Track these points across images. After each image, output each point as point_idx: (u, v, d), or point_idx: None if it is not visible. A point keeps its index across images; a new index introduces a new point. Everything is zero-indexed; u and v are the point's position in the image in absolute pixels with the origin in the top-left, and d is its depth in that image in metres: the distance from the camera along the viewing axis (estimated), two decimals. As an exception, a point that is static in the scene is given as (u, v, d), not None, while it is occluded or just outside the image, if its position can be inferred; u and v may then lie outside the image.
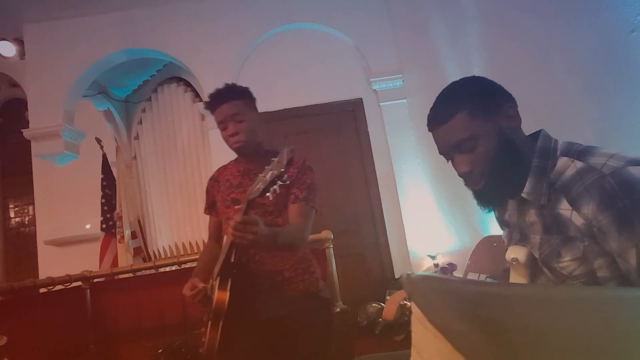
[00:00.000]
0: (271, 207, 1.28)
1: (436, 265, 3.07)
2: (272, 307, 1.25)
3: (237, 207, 1.05)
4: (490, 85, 0.85)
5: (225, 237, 1.22)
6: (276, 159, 1.01)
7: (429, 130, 0.88)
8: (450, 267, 2.92)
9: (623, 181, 0.67)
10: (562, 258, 0.76)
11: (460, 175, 0.85)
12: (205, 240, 1.55)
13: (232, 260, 1.16)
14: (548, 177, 0.78)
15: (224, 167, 1.45)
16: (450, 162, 0.87)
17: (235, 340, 1.20)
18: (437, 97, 0.86)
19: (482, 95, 0.82)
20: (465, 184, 0.87)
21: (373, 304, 2.78)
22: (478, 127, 0.80)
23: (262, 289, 1.26)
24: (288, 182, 1.11)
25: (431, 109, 0.86)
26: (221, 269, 1.17)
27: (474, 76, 0.87)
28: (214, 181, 1.44)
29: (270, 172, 1.00)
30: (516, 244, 0.89)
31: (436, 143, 0.87)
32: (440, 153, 0.88)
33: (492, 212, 1.00)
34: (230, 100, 1.30)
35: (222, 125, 1.31)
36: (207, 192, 1.46)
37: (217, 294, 1.14)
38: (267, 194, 1.01)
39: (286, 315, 1.24)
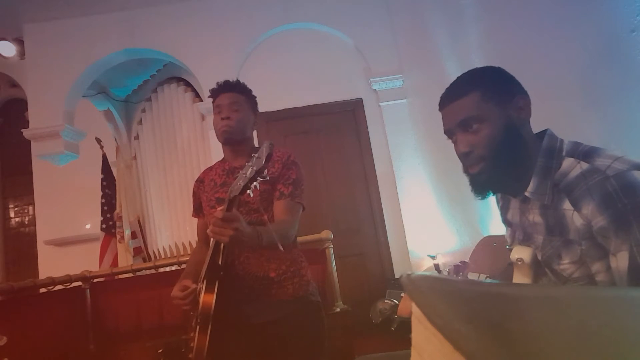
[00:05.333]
0: (256, 205, 1.25)
1: (437, 265, 3.07)
2: (261, 311, 1.22)
3: (219, 208, 1.03)
4: (506, 75, 0.86)
5: (212, 240, 1.18)
6: (256, 155, 1.00)
7: (440, 109, 0.88)
8: (463, 265, 2.91)
9: (626, 184, 0.67)
10: (562, 260, 0.77)
11: (459, 156, 0.85)
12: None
13: (220, 262, 1.13)
14: (552, 177, 0.78)
15: (210, 168, 1.45)
16: (452, 142, 0.88)
17: (225, 345, 1.17)
18: (455, 80, 0.87)
19: (497, 82, 0.84)
20: (463, 169, 0.87)
21: (385, 300, 2.78)
22: (487, 109, 0.81)
23: (250, 292, 1.23)
24: (268, 178, 1.08)
25: (446, 89, 0.87)
26: (207, 271, 1.14)
27: (491, 66, 0.88)
28: (200, 183, 1.43)
29: (250, 169, 0.99)
30: (520, 244, 0.89)
31: (443, 121, 0.88)
32: (445, 131, 0.88)
33: (484, 200, 1.00)
34: (234, 92, 1.34)
35: (218, 109, 1.34)
36: (194, 194, 1.45)
37: (203, 297, 1.11)
38: (248, 190, 1.00)
39: (276, 320, 1.21)
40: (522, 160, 0.81)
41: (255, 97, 1.42)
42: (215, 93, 1.36)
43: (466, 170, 0.86)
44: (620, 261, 0.67)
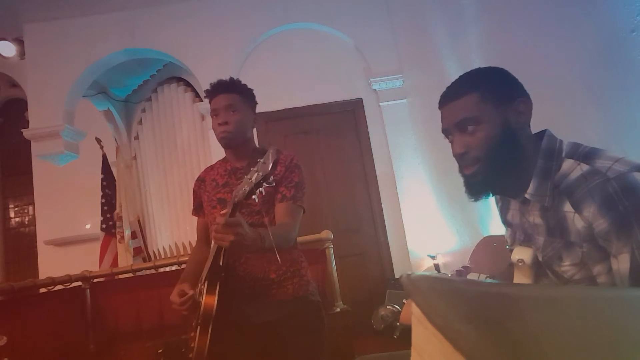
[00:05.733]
0: (258, 207, 1.25)
1: (437, 265, 3.07)
2: (261, 311, 1.22)
3: (222, 212, 1.03)
4: (508, 77, 0.85)
5: (213, 241, 1.19)
6: (262, 160, 1.00)
7: (439, 107, 0.88)
8: (465, 270, 2.91)
9: (627, 186, 0.67)
10: (563, 262, 0.76)
11: (455, 156, 0.85)
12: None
13: (221, 263, 1.13)
14: (552, 179, 0.78)
15: (211, 167, 1.44)
16: (449, 142, 0.88)
17: (225, 345, 1.18)
18: (456, 79, 0.87)
19: (498, 84, 0.83)
20: (459, 169, 0.87)
21: (387, 307, 2.76)
22: (485, 111, 0.80)
23: (250, 292, 1.23)
24: (274, 184, 1.07)
25: (447, 88, 0.87)
26: (209, 272, 1.14)
27: (494, 66, 0.87)
28: (201, 182, 1.43)
29: (255, 174, 0.99)
30: (520, 245, 0.89)
31: (442, 120, 0.87)
32: (443, 130, 0.88)
33: (499, 202, 1.00)
34: (228, 92, 1.32)
35: (215, 112, 1.32)
36: (194, 193, 1.44)
37: (205, 298, 1.11)
38: (253, 196, 1.00)
39: (276, 320, 1.22)
40: (519, 163, 0.81)
41: (252, 91, 1.39)
42: (210, 95, 1.34)
43: (461, 171, 0.86)
44: (622, 263, 0.67)
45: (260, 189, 1.00)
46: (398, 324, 2.57)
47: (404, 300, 2.70)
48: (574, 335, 0.38)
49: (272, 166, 0.97)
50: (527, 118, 0.83)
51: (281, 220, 1.23)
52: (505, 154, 0.80)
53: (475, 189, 0.85)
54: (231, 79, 1.36)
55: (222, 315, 1.11)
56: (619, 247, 0.67)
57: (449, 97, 0.85)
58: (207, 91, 1.36)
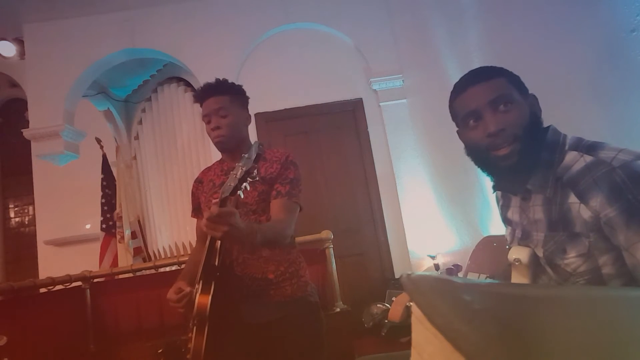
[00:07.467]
0: (254, 206, 1.25)
1: (437, 265, 3.07)
2: (259, 312, 1.21)
3: (214, 201, 1.03)
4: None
5: (208, 240, 1.15)
6: (246, 155, 1.00)
7: (457, 95, 0.86)
8: (456, 269, 2.91)
9: (632, 174, 0.67)
10: (567, 254, 0.76)
11: (489, 137, 0.80)
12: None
13: (216, 263, 1.13)
14: (555, 170, 0.78)
15: (208, 169, 1.44)
16: (470, 127, 0.84)
17: (222, 346, 1.17)
18: (470, 70, 0.87)
19: (515, 76, 0.86)
20: (488, 154, 0.82)
21: (378, 305, 2.76)
22: (514, 93, 0.82)
23: (247, 293, 1.22)
24: (257, 179, 1.06)
25: (463, 76, 0.86)
26: (203, 272, 1.13)
27: None
28: (198, 183, 1.42)
29: (240, 169, 0.99)
30: (519, 242, 0.89)
31: (467, 103, 0.84)
32: (468, 113, 0.84)
33: (500, 200, 0.99)
34: (217, 95, 1.31)
35: (207, 119, 1.32)
36: (192, 195, 1.44)
37: (198, 298, 1.10)
38: (239, 191, 1.00)
39: (274, 321, 1.21)
40: (537, 155, 0.80)
41: (244, 91, 1.37)
42: (199, 100, 1.33)
43: (494, 154, 0.81)
44: (638, 254, 0.66)
45: (245, 184, 1.00)
46: (386, 321, 2.57)
47: (393, 298, 2.69)
48: (575, 335, 0.38)
49: (254, 160, 0.98)
50: (540, 112, 0.85)
51: (276, 216, 1.22)
52: (537, 138, 0.80)
53: (506, 175, 0.84)
54: (217, 80, 1.34)
55: (219, 315, 1.11)
56: (629, 237, 0.66)
57: (474, 80, 0.84)
58: (195, 96, 1.35)
